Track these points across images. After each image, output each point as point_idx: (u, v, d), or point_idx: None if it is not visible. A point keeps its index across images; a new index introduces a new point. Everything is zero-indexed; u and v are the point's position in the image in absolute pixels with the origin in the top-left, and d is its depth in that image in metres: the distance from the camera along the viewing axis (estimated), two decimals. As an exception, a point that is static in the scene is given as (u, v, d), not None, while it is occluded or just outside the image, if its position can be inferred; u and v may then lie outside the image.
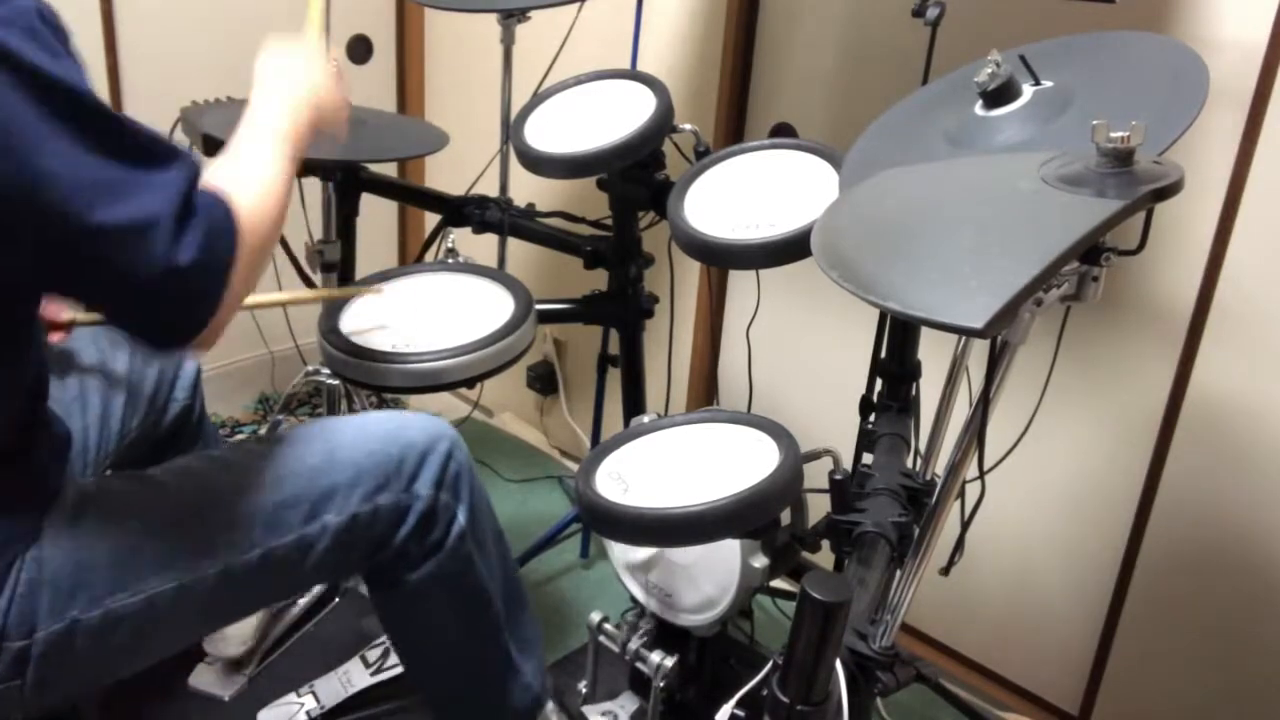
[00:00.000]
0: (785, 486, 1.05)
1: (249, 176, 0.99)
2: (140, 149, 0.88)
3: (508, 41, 1.81)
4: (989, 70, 1.12)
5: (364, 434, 1.19)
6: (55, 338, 1.27)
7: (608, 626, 1.34)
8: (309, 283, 1.91)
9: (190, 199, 0.89)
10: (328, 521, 1.12)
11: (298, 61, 1.12)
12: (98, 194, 0.84)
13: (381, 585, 1.26)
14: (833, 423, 1.88)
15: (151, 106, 2.13)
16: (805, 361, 2.02)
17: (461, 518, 1.22)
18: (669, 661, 1.28)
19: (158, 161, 0.89)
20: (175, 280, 0.88)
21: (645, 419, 1.25)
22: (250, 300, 1.21)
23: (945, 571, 1.15)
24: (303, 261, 1.88)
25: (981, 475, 1.07)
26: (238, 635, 1.67)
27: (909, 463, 1.34)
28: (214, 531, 1.07)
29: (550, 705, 1.42)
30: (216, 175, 0.96)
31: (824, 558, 1.26)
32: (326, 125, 1.13)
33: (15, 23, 0.81)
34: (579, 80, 1.64)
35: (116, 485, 1.10)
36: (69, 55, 0.86)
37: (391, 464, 1.17)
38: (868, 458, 1.34)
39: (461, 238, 1.61)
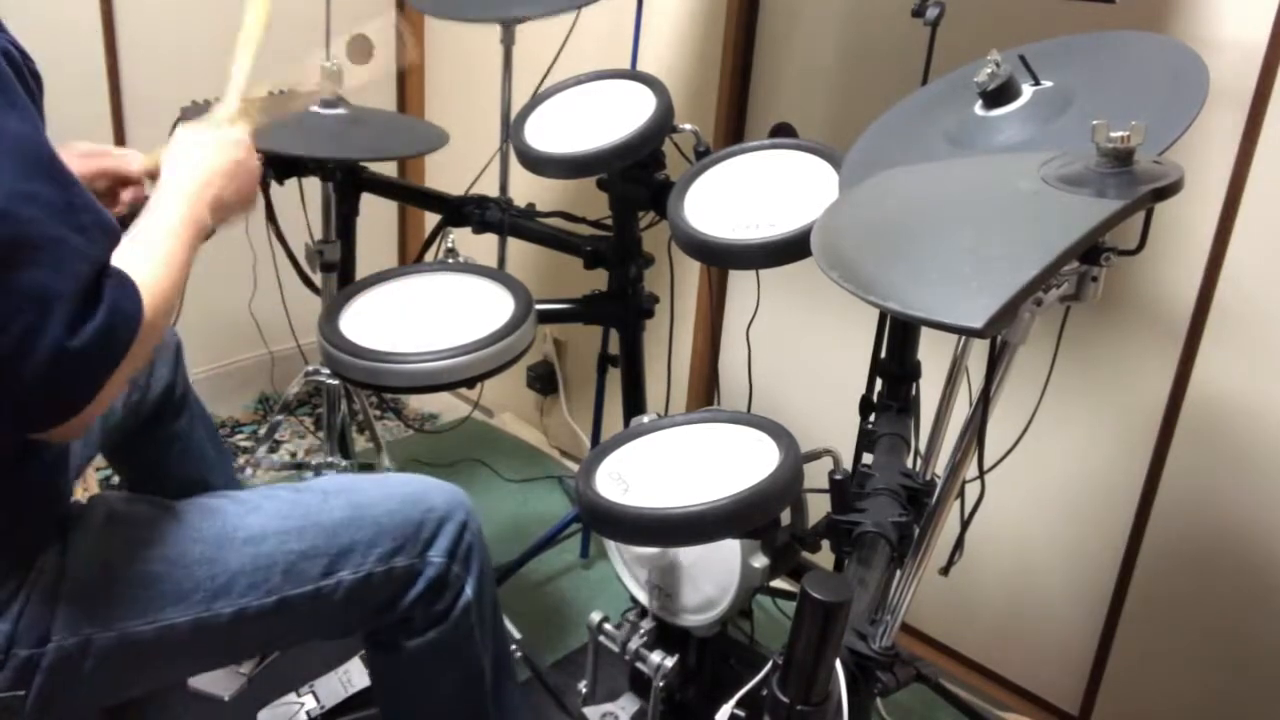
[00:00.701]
0: (785, 486, 1.05)
1: (155, 271, 0.95)
2: (72, 211, 0.86)
3: (508, 42, 1.81)
4: (989, 70, 1.12)
5: (387, 494, 1.20)
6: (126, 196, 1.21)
7: (608, 626, 1.34)
8: (309, 283, 1.91)
9: (99, 282, 0.86)
10: (343, 577, 1.13)
11: (203, 150, 1.11)
12: (12, 251, 0.81)
13: (381, 647, 1.26)
14: (833, 423, 1.89)
15: (151, 106, 2.14)
16: (805, 361, 2.02)
17: (469, 590, 1.22)
18: (669, 661, 1.27)
19: (83, 232, 0.86)
20: (61, 362, 0.83)
21: (645, 419, 1.25)
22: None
23: (945, 571, 1.15)
24: (302, 261, 1.88)
25: (981, 475, 1.07)
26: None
27: (909, 463, 1.34)
28: (234, 573, 1.08)
29: None
30: (122, 265, 0.92)
31: (824, 558, 1.25)
32: (230, 208, 1.11)
33: None
34: (579, 80, 1.64)
35: (146, 511, 1.10)
36: (30, 98, 0.85)
37: (411, 527, 1.18)
38: (868, 458, 1.34)
39: (461, 238, 1.61)
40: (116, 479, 1.54)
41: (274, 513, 1.14)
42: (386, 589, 1.17)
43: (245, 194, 1.14)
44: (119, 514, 1.08)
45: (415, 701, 1.29)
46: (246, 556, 1.09)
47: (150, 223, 1.01)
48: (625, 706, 1.41)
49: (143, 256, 0.95)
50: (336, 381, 1.90)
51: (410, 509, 1.19)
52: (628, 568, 1.33)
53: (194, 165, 1.08)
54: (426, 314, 1.39)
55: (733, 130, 2.00)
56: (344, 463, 1.93)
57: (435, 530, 1.19)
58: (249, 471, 1.96)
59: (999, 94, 1.13)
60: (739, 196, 1.37)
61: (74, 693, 1.02)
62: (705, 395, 2.20)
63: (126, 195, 1.22)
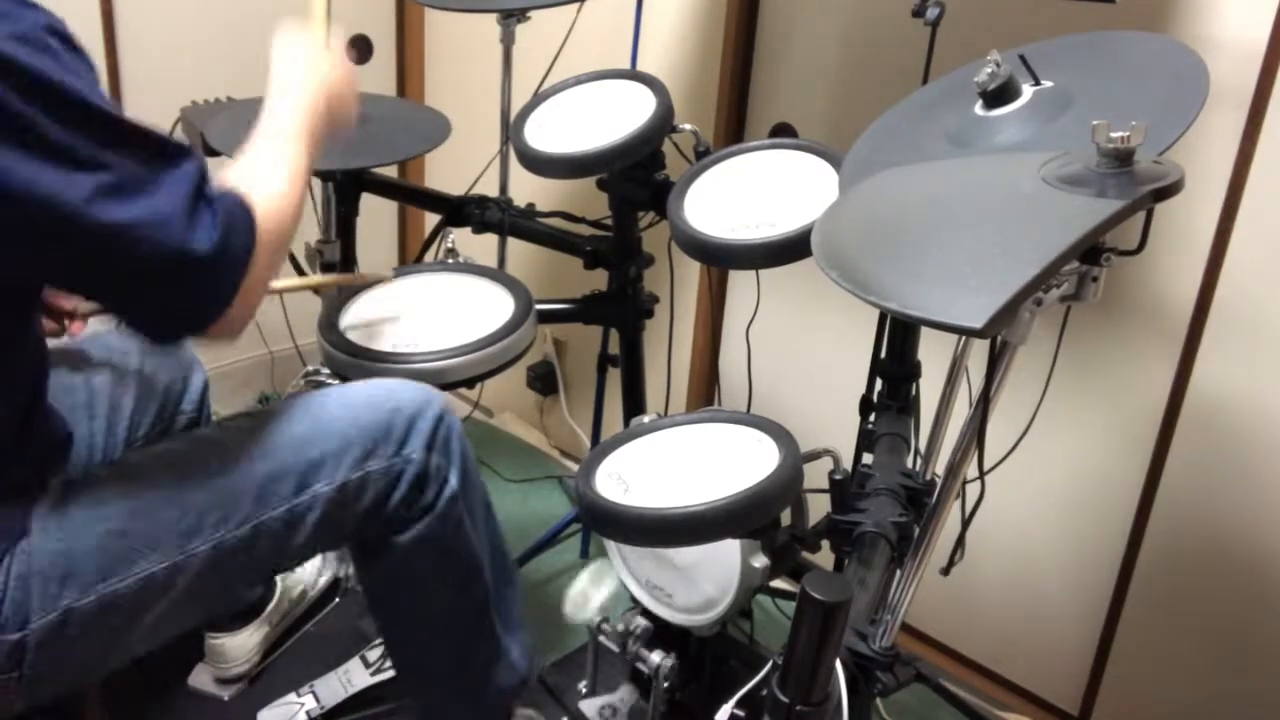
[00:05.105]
0: (785, 486, 1.05)
1: (265, 175, 1.03)
2: (149, 149, 0.91)
3: (508, 42, 1.81)
4: (989, 70, 1.12)
5: (350, 402, 1.19)
6: (75, 328, 1.27)
7: (608, 626, 1.34)
8: (309, 282, 1.91)
9: (203, 192, 0.93)
10: (318, 491, 1.12)
11: (308, 57, 1.16)
12: (109, 194, 0.87)
13: (370, 550, 1.24)
14: (833, 423, 1.88)
15: (151, 106, 2.13)
16: (805, 361, 2.02)
17: (453, 480, 1.21)
18: (669, 661, 1.28)
19: (168, 160, 0.92)
20: (190, 269, 0.92)
21: (645, 419, 1.25)
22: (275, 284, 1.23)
23: (945, 571, 1.15)
24: (303, 261, 1.88)
25: (981, 475, 1.07)
26: (240, 654, 1.67)
27: (909, 463, 1.34)
28: (202, 509, 1.06)
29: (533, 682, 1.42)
30: (235, 174, 1.01)
31: (824, 558, 1.26)
32: (338, 118, 1.16)
33: (28, 39, 0.84)
34: (579, 80, 1.64)
35: (99, 472, 1.09)
36: (79, 64, 0.89)
37: (380, 430, 1.16)
38: (868, 458, 1.34)
39: (461, 238, 1.61)
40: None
41: (233, 443, 1.12)
42: (366, 494, 1.16)
43: (350, 96, 1.18)
44: (73, 484, 1.06)
45: (412, 605, 1.27)
46: (210, 490, 1.07)
47: (266, 133, 1.08)
48: (624, 698, 1.41)
49: (252, 168, 1.03)
50: (336, 381, 1.89)
51: (377, 412, 1.17)
52: (628, 568, 1.33)
53: (302, 76, 1.13)
54: (426, 314, 1.39)
55: (733, 130, 2.00)
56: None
57: (407, 428, 1.18)
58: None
59: (999, 94, 1.13)
60: (739, 196, 1.37)
61: (68, 663, 1.02)
62: (705, 395, 2.20)
63: (76, 328, 1.27)
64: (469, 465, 1.24)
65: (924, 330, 1.41)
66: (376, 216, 2.52)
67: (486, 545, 1.28)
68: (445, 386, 1.30)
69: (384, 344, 1.28)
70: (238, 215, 0.96)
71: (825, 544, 1.21)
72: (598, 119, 1.54)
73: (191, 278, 0.93)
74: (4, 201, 0.84)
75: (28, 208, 0.85)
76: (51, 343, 1.29)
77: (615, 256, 1.68)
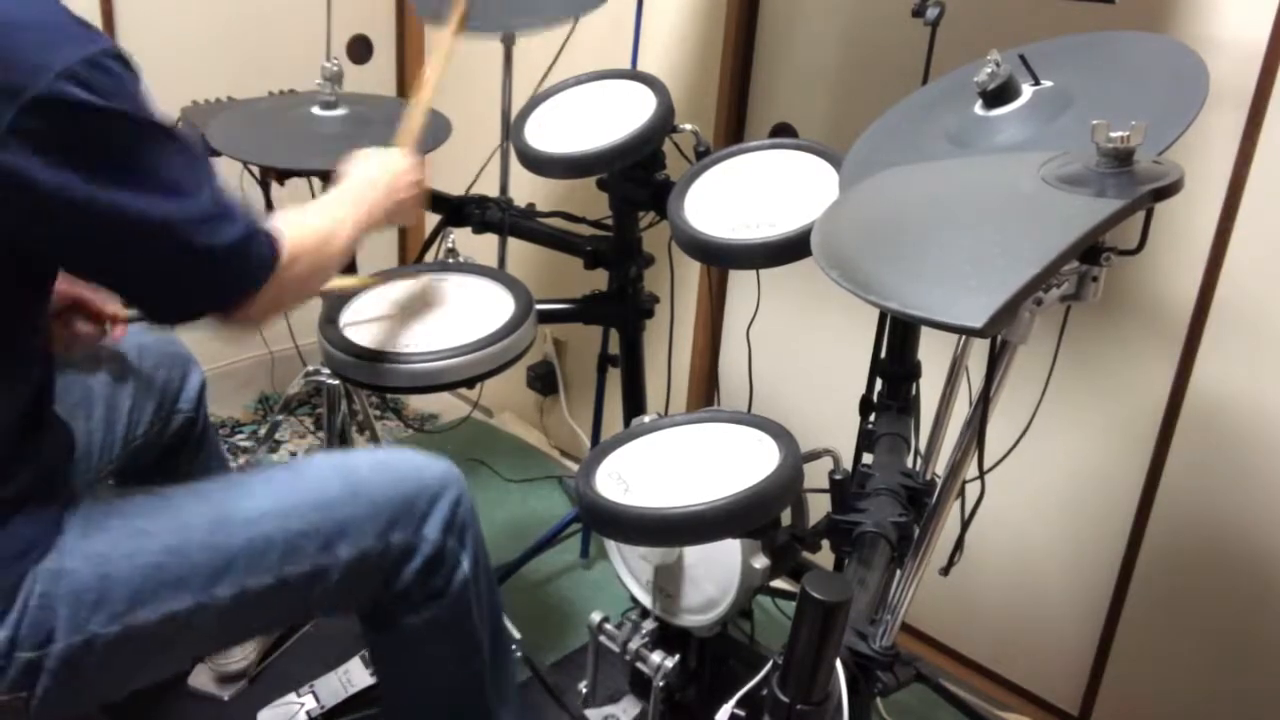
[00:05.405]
0: (785, 486, 1.05)
1: (307, 223, 1.10)
2: (193, 152, 1.00)
3: (508, 42, 1.81)
4: (989, 70, 1.12)
5: (382, 471, 1.21)
6: (118, 333, 1.31)
7: (608, 626, 1.34)
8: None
9: (223, 199, 0.99)
10: (341, 554, 1.14)
11: (385, 159, 1.25)
12: (168, 189, 0.95)
13: (378, 625, 1.27)
14: (833, 423, 1.88)
15: (151, 106, 2.13)
16: (805, 361, 2.02)
17: (465, 565, 1.23)
18: (669, 661, 1.28)
19: (202, 158, 1.00)
20: (217, 258, 0.97)
21: (645, 419, 1.25)
22: None
23: (945, 571, 1.15)
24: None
25: (981, 475, 1.07)
26: (238, 650, 1.68)
27: (909, 463, 1.34)
28: (234, 555, 1.08)
29: None
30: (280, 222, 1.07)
31: (824, 558, 1.26)
32: (398, 212, 1.26)
33: (98, 66, 0.90)
34: (579, 80, 1.64)
35: (140, 501, 1.10)
36: (137, 83, 0.97)
37: (406, 503, 1.19)
38: (868, 458, 1.34)
39: (461, 238, 1.61)
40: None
41: (270, 493, 1.14)
42: (384, 565, 1.18)
43: (404, 203, 1.26)
44: (112, 506, 1.08)
45: (414, 680, 1.29)
46: (244, 538, 1.09)
47: (315, 204, 1.17)
48: (627, 709, 1.41)
49: (297, 218, 1.09)
50: (336, 381, 1.89)
51: (405, 485, 1.20)
52: (628, 568, 1.33)
53: (360, 172, 1.23)
54: (426, 314, 1.39)
55: (733, 130, 2.00)
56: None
57: (429, 506, 1.20)
58: (249, 471, 1.96)
59: (999, 94, 1.13)
60: (739, 196, 1.37)
61: (80, 689, 1.02)
62: (705, 395, 2.20)
63: (84, 327, 1.29)
64: (480, 550, 1.27)
65: (924, 330, 1.41)
66: (376, 216, 2.52)
67: (488, 622, 1.30)
68: (445, 386, 1.30)
69: (384, 344, 1.28)
70: (261, 234, 1.02)
71: (825, 544, 1.21)
72: (598, 119, 1.54)
73: (219, 264, 0.98)
74: (91, 218, 0.91)
75: (112, 224, 0.92)
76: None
77: (615, 256, 1.68)
